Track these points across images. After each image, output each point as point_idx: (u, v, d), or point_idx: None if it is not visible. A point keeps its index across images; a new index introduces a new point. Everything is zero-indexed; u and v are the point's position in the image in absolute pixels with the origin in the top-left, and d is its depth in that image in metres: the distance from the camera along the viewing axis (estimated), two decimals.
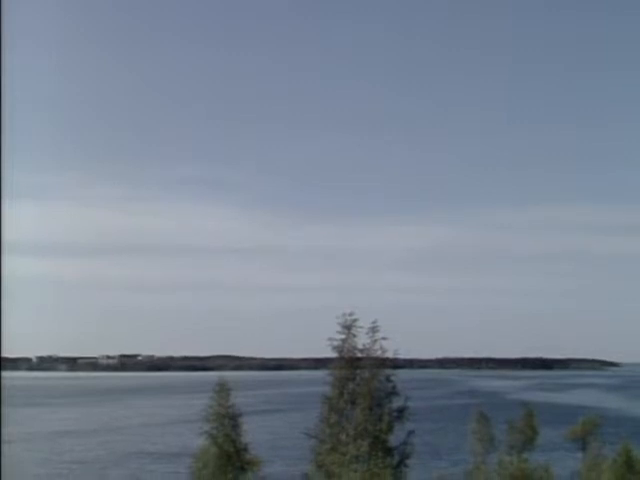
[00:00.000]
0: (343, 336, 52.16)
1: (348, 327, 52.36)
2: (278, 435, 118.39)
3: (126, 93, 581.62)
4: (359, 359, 51.40)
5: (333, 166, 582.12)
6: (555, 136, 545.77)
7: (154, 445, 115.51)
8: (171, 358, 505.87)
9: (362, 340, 51.71)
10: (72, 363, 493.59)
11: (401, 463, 48.92)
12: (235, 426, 50.24)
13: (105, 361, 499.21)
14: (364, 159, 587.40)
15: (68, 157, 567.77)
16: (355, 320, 52.46)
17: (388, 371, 51.21)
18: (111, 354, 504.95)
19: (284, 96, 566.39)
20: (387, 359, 51.42)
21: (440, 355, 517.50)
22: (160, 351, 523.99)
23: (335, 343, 52.17)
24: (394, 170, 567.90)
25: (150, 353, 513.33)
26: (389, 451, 48.53)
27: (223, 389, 51.26)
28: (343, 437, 49.44)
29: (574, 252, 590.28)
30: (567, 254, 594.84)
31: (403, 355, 53.65)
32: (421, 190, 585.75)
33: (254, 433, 60.76)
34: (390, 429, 49.76)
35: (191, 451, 53.78)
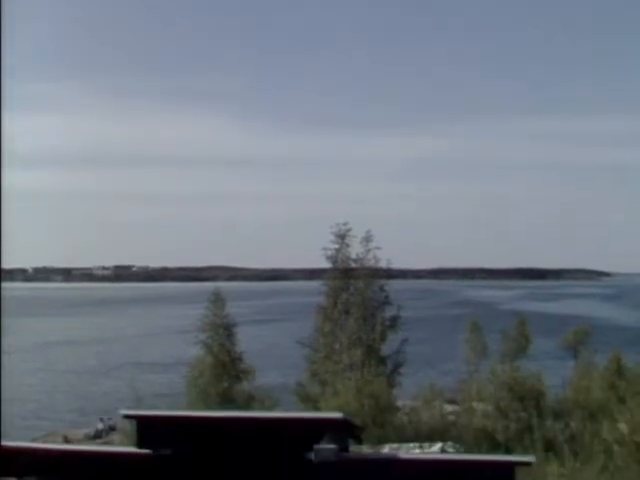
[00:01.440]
0: (337, 246, 52.10)
1: (342, 237, 52.22)
2: (272, 345, 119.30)
3: (129, 3, 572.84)
4: (353, 269, 51.36)
5: (332, 76, 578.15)
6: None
7: (149, 355, 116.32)
8: (166, 269, 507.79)
9: (356, 250, 51.66)
10: (67, 274, 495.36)
11: (394, 371, 49.28)
12: (230, 336, 50.38)
13: (100, 272, 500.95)
14: (365, 71, 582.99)
15: (67, 67, 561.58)
16: (349, 230, 52.31)
17: (381, 281, 51.23)
18: (106, 265, 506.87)
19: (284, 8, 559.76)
20: (380, 269, 51.37)
21: (434, 266, 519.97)
22: (155, 262, 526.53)
23: (329, 253, 52.13)
24: (394, 82, 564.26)
25: (145, 264, 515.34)
26: (382, 360, 48.85)
27: (218, 299, 51.26)
28: (337, 346, 49.75)
29: (572, 163, 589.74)
30: (565, 165, 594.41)
31: (396, 265, 53.77)
32: (419, 102, 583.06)
33: (248, 343, 61.01)
34: (383, 338, 49.99)
35: (186, 361, 54.04)
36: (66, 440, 53.10)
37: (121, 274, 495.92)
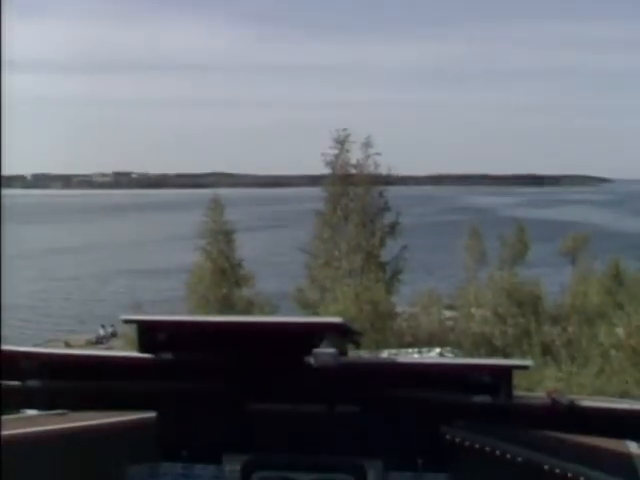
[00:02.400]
0: (336, 151, 51.88)
1: (341, 142, 51.99)
2: (272, 251, 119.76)
3: None
4: (352, 175, 51.24)
5: None
6: None
7: (148, 262, 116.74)
8: (165, 176, 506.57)
9: (356, 156, 51.44)
10: (66, 181, 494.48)
11: (393, 277, 49.60)
12: (229, 242, 50.55)
13: (99, 179, 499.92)
14: None
15: None
16: (348, 135, 52.06)
17: (381, 187, 51.15)
18: (105, 172, 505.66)
19: None
20: (380, 175, 51.24)
21: (433, 172, 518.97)
22: (154, 168, 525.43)
23: (328, 159, 51.95)
24: None
25: (144, 171, 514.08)
26: (382, 266, 49.13)
27: (217, 206, 51.28)
28: (336, 252, 49.96)
29: (574, 68, 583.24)
30: (567, 69, 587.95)
31: (396, 172, 53.56)
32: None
33: (248, 249, 61.17)
34: (383, 244, 50.18)
35: (186, 267, 54.30)
36: (68, 346, 53.68)
37: (120, 181, 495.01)
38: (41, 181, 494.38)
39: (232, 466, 19.80)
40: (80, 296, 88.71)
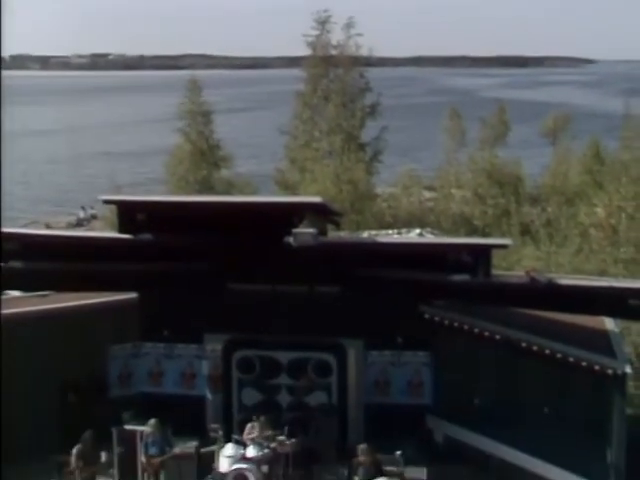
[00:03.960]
0: (317, 32, 50.95)
1: (322, 23, 51.02)
2: (251, 133, 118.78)
3: None
4: (333, 56, 50.46)
5: None
6: None
7: (127, 144, 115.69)
8: (143, 57, 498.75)
9: (337, 37, 50.54)
10: (44, 62, 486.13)
11: (374, 158, 49.41)
12: (207, 123, 50.13)
13: (77, 60, 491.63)
14: None
15: None
16: (329, 16, 51.05)
17: (362, 68, 50.46)
18: (83, 53, 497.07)
19: None
20: (361, 57, 50.49)
21: (415, 54, 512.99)
22: (131, 50, 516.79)
23: (309, 40, 51.03)
24: None
25: (121, 52, 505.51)
26: (362, 147, 48.84)
27: (195, 87, 50.58)
28: (316, 133, 49.56)
29: None
30: None
31: (377, 53, 52.75)
32: None
33: (227, 131, 60.68)
34: (363, 125, 49.79)
35: (164, 149, 53.90)
36: (48, 228, 53.54)
37: (98, 62, 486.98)
38: (18, 62, 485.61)
39: (213, 345, 20.04)
40: (58, 179, 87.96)
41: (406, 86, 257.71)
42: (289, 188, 45.71)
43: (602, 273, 26.05)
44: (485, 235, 36.28)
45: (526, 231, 36.01)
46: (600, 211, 31.40)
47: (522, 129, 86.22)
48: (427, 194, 47.22)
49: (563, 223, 33.85)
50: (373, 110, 49.82)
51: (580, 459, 16.75)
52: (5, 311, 18.55)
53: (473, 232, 38.74)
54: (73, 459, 16.61)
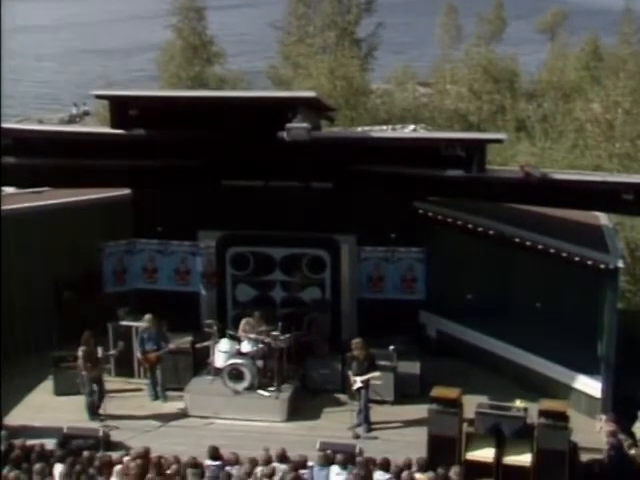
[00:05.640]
0: None
1: None
2: (244, 29, 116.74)
3: None
4: None
5: None
6: None
7: (119, 40, 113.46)
8: None
9: None
10: None
11: (368, 54, 48.82)
12: (200, 19, 49.43)
13: None
14: None
15: None
16: None
17: None
18: None
19: None
20: None
21: None
22: None
23: None
24: None
25: None
26: (356, 42, 48.16)
27: None
28: (310, 29, 48.79)
29: None
30: None
31: None
32: None
33: (220, 27, 59.65)
34: (358, 21, 49.04)
35: (156, 46, 53.03)
36: (41, 124, 53.04)
37: None
38: None
39: (207, 242, 20.07)
40: (50, 76, 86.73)
41: None
42: (283, 84, 45.24)
43: (597, 168, 25.98)
44: (480, 131, 36.02)
45: (521, 127, 35.78)
46: (596, 106, 31.15)
47: (519, 25, 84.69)
48: (422, 90, 46.67)
49: (559, 119, 33.60)
50: (369, 6, 49.11)
51: (571, 352, 16.92)
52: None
53: (468, 128, 38.44)
54: (80, 362, 16.74)
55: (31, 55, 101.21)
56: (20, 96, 71.96)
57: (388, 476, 13.87)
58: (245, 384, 17.08)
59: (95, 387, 16.84)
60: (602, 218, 18.98)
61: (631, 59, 33.90)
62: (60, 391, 17.78)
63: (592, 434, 15.75)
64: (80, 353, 16.75)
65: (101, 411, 16.87)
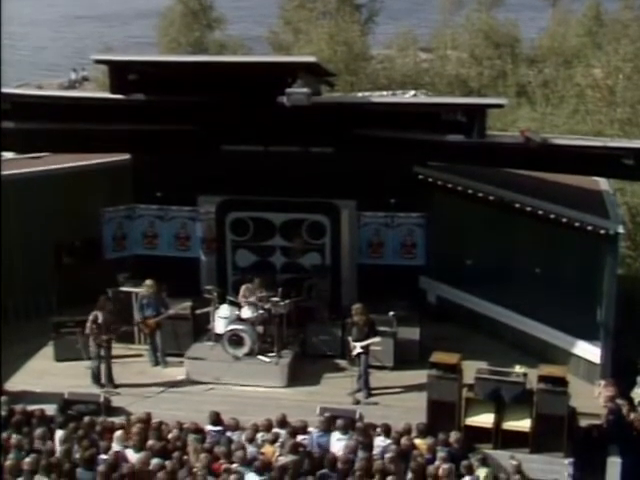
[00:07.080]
0: None
1: None
2: None
3: None
4: None
5: None
6: None
7: (115, 5, 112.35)
8: None
9: None
10: None
11: (369, 20, 48.54)
12: None
13: None
14: None
15: None
16: None
17: None
18: None
19: None
20: None
21: None
22: None
23: None
24: None
25: None
26: (357, 8, 47.89)
27: None
28: None
29: None
30: None
31: None
32: None
33: None
34: None
35: (155, 11, 52.72)
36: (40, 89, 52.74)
37: None
38: None
39: (207, 207, 20.03)
40: (46, 43, 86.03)
41: None
42: (283, 49, 44.99)
43: (598, 134, 25.83)
44: (481, 97, 35.84)
45: (522, 92, 35.61)
46: (597, 72, 30.97)
47: None
48: (423, 55, 46.36)
49: (560, 84, 33.42)
50: None
51: (571, 318, 16.93)
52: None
53: (469, 94, 38.23)
54: (92, 326, 16.62)
55: (23, 21, 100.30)
56: (15, 61, 71.49)
57: (388, 441, 13.93)
58: (245, 350, 17.08)
59: (103, 353, 16.78)
60: (602, 183, 18.93)
61: (633, 24, 33.66)
62: (61, 357, 17.79)
63: (591, 399, 15.76)
64: (91, 317, 16.61)
65: (105, 380, 16.84)
